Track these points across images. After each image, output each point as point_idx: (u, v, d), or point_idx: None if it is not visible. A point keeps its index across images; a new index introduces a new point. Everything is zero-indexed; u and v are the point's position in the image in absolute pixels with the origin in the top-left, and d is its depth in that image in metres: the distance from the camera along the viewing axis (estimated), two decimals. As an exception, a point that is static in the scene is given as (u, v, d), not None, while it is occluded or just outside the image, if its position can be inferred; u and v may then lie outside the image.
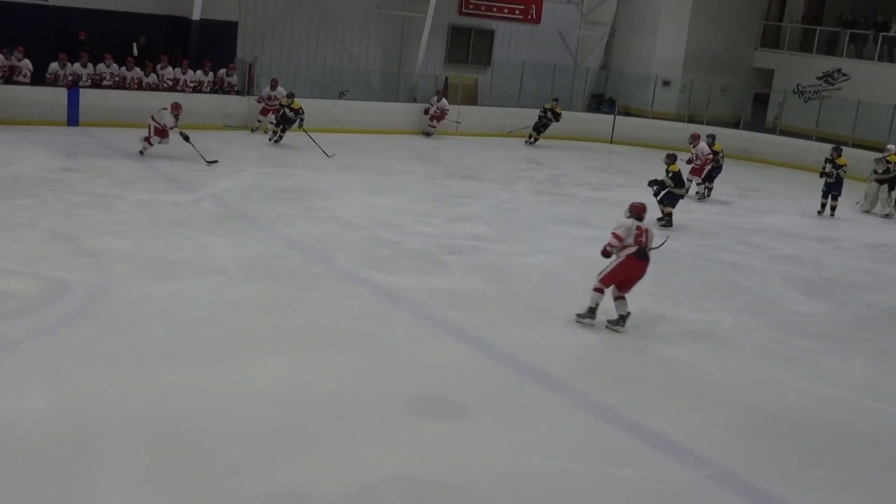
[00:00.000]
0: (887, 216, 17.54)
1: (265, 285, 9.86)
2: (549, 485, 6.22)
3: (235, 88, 20.42)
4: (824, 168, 17.19)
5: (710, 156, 17.38)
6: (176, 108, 16.06)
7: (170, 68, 19.54)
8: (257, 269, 10.40)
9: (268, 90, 20.10)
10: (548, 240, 13.25)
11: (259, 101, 20.28)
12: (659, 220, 14.73)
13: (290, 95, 19.15)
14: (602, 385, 8.08)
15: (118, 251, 10.42)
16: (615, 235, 9.39)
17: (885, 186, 17.69)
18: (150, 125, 16.20)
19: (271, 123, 19.78)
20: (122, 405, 6.71)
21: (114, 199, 12.78)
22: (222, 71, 20.21)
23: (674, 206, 14.98)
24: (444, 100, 22.38)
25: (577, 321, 9.47)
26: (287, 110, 19.03)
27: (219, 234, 11.66)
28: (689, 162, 17.16)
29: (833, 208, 17.14)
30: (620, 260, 9.38)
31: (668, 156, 15.09)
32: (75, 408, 6.65)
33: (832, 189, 17.08)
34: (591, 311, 9.48)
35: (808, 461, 7.06)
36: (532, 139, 22.92)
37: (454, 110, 22.51)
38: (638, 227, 9.42)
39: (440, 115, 22.21)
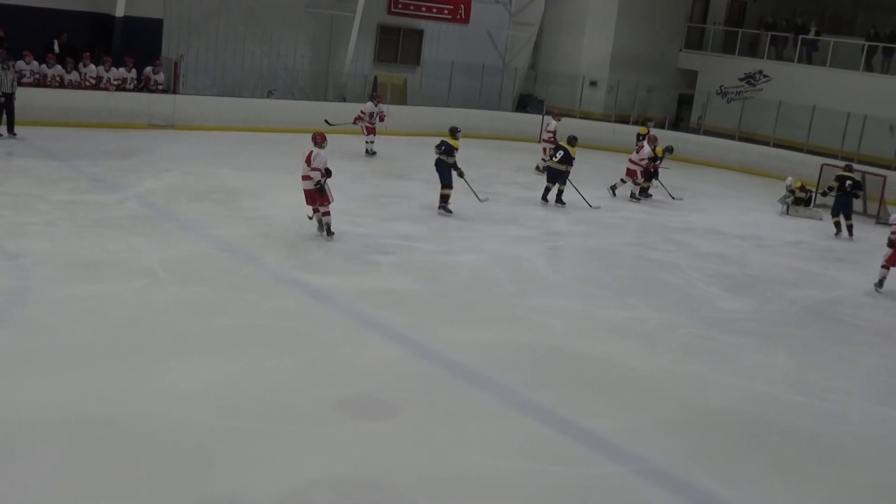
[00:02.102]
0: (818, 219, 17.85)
1: (193, 286, 9.73)
2: (480, 483, 6.25)
3: (161, 87, 20.08)
4: (835, 186, 16.54)
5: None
6: (321, 141, 12.22)
7: (92, 66, 19.12)
8: (185, 270, 10.26)
9: (370, 105, 19.57)
10: (477, 239, 13.30)
11: (358, 120, 19.48)
12: (441, 208, 14.54)
13: (454, 131, 14.93)
14: (532, 383, 8.15)
15: (40, 253, 10.18)
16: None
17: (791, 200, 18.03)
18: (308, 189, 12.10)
19: (369, 143, 19.35)
20: (47, 410, 6.56)
21: (35, 200, 12.47)
22: (148, 69, 19.84)
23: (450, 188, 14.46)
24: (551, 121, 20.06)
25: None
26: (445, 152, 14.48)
27: (145, 234, 11.46)
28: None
29: (850, 227, 16.58)
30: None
31: (451, 130, 14.85)
32: (-4, 414, 6.49)
33: (847, 207, 16.43)
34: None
35: (734, 454, 7.20)
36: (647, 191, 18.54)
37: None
38: None
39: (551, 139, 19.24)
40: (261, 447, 6.38)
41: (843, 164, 17.91)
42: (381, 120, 19.77)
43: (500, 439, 6.94)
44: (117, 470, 5.90)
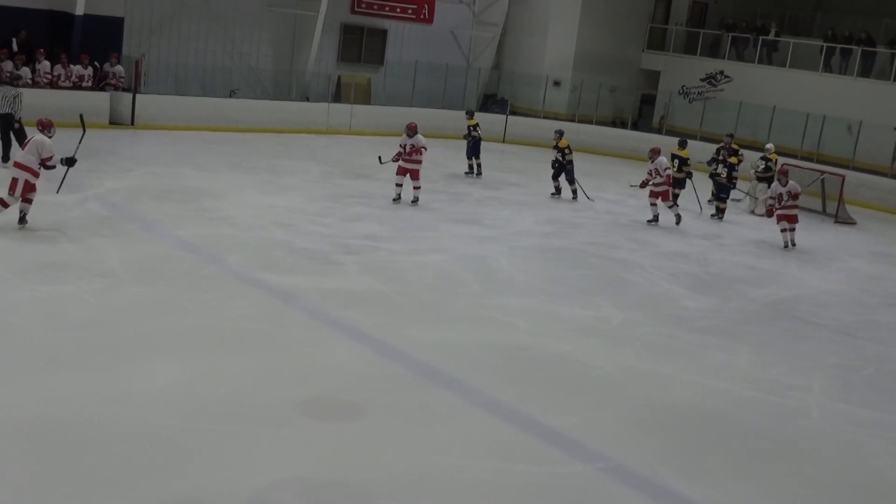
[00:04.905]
0: (762, 215, 18.09)
1: (155, 287, 9.64)
2: (445, 482, 6.25)
3: (122, 79, 19.78)
4: (716, 167, 17.59)
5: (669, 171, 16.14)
6: (47, 126, 11.27)
7: (47, 63, 18.73)
8: (146, 270, 10.16)
9: (404, 136, 15.53)
10: (441, 239, 13.31)
11: (398, 157, 15.43)
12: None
13: (560, 132, 17.68)
14: (496, 382, 8.15)
15: (-2, 254, 10.05)
16: None
17: (763, 185, 18.20)
18: None
19: (398, 186, 15.40)
20: (6, 413, 6.47)
21: (-7, 200, 12.27)
22: (106, 64, 19.53)
23: None
24: None
25: None
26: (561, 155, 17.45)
27: (105, 235, 11.34)
28: (646, 183, 16.10)
29: (722, 210, 17.40)
30: None
31: None
32: (-46, 417, 6.38)
33: (721, 191, 17.47)
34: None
35: (696, 451, 7.27)
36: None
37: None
38: None
39: None
40: (225, 449, 6.34)
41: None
42: (418, 154, 15.41)
43: (465, 439, 6.95)
44: (78, 473, 5.83)
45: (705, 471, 6.95)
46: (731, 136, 19.31)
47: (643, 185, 16.24)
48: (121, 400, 6.87)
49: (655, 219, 16.09)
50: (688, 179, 17.08)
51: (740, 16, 28.85)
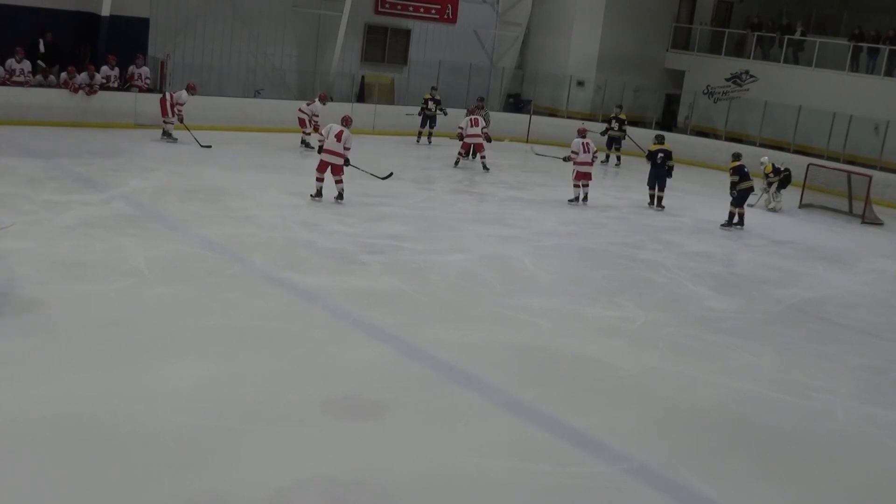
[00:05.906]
0: (773, 210, 18.26)
1: (180, 286, 9.70)
2: (468, 483, 6.25)
3: (148, 81, 19.91)
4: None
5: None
6: (350, 122, 15.14)
7: (82, 75, 18.69)
8: (171, 270, 10.22)
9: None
10: (465, 239, 13.29)
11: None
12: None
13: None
14: (519, 382, 8.15)
15: (25, 252, 10.11)
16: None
17: (775, 185, 18.39)
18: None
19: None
20: (30, 411, 6.53)
21: (20, 199, 12.39)
22: (132, 67, 19.65)
23: None
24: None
25: None
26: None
27: (131, 234, 11.42)
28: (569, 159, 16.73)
29: (660, 199, 17.33)
30: None
31: None
32: (-19, 414, 6.44)
33: (661, 179, 17.36)
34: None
35: (720, 453, 7.23)
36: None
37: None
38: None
39: None
40: (248, 447, 6.37)
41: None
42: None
43: (488, 438, 6.95)
44: (103, 470, 5.87)
45: (729, 472, 6.90)
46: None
47: (566, 159, 16.87)
48: (145, 398, 6.92)
49: (576, 199, 16.72)
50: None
51: (766, 15, 28.66)
